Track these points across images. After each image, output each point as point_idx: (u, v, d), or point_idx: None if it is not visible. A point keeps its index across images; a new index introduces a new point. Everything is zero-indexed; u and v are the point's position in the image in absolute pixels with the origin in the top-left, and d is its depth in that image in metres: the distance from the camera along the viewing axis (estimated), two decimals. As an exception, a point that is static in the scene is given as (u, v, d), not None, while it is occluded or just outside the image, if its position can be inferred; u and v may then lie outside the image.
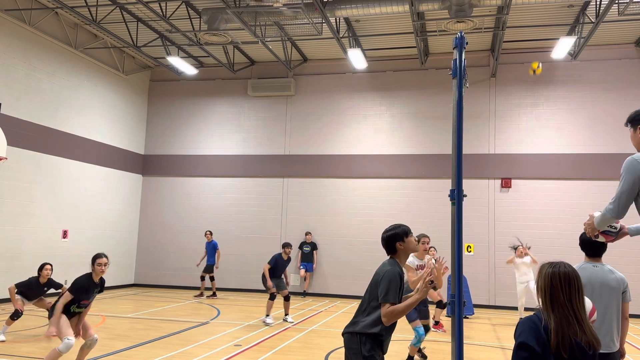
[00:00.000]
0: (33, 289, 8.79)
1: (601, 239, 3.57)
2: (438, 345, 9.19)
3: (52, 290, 9.10)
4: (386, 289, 3.62)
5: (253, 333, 9.55)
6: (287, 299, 11.06)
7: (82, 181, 15.11)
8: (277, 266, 11.09)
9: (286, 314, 11.06)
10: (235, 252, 16.60)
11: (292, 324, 10.79)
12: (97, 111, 15.81)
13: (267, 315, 10.80)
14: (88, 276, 6.31)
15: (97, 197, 15.73)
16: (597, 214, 3.49)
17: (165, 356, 7.52)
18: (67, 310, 6.27)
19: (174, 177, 17.62)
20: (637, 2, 11.91)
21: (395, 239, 3.84)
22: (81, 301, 6.28)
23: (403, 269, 3.85)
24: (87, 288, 6.26)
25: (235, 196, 17.02)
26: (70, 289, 6.21)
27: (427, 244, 6.95)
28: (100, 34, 15.23)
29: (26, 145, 13.15)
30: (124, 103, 17.00)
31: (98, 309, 11.86)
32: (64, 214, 14.42)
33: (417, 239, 6.24)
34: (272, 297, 10.87)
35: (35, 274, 8.90)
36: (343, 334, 3.82)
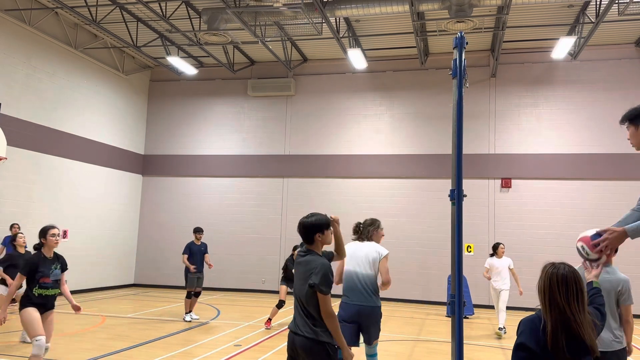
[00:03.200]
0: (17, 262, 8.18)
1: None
2: (438, 345, 9.19)
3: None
4: (322, 281, 3.54)
5: (253, 333, 9.55)
6: (197, 295, 10.82)
7: (82, 181, 15.11)
8: (193, 253, 10.80)
9: (190, 311, 10.86)
10: (235, 252, 16.60)
11: (196, 319, 10.71)
12: (97, 111, 15.81)
13: (187, 313, 10.67)
14: (36, 253, 5.78)
15: (97, 197, 15.72)
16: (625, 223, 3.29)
17: (165, 356, 7.52)
18: (32, 298, 5.59)
19: (174, 177, 17.62)
20: (637, 2, 11.91)
21: (316, 230, 3.76)
22: (40, 280, 5.61)
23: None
24: (37, 263, 5.64)
25: (235, 196, 17.01)
26: (20, 270, 5.69)
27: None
28: (100, 34, 15.23)
29: (26, 145, 13.15)
30: (124, 103, 17.00)
31: (98, 309, 11.87)
32: (64, 214, 14.41)
33: (378, 227, 5.91)
34: (189, 296, 10.63)
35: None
36: (299, 336, 3.60)
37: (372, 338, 5.42)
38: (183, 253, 10.85)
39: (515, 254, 14.54)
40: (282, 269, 10.93)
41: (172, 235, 17.23)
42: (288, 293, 10.59)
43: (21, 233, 8.76)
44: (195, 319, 10.82)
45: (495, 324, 11.73)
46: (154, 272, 17.27)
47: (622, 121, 3.29)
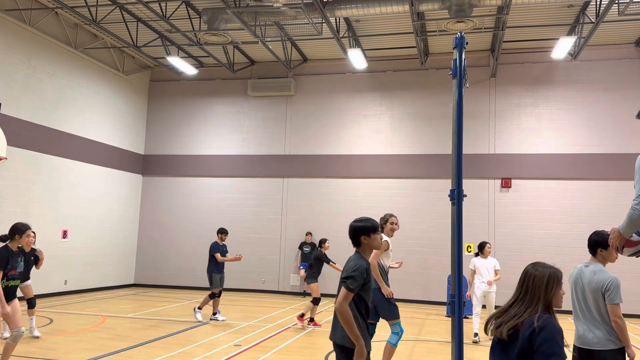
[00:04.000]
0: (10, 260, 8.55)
1: (626, 252, 3.31)
2: (438, 345, 9.19)
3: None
4: (351, 276, 3.52)
5: (253, 333, 9.55)
6: (218, 295, 10.95)
7: (82, 181, 15.11)
8: (221, 252, 11.02)
9: (214, 313, 10.96)
10: (235, 252, 16.55)
11: (224, 321, 10.80)
12: (97, 111, 15.81)
13: (215, 313, 10.86)
14: (4, 247, 6.15)
15: (97, 197, 15.72)
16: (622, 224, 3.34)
17: (165, 356, 7.52)
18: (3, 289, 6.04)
19: (174, 177, 17.62)
20: (637, 2, 11.91)
21: (361, 233, 3.74)
22: (9, 273, 6.11)
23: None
24: (7, 257, 6.09)
25: (235, 196, 17.01)
26: None
27: (396, 224, 6.87)
28: (100, 34, 15.23)
29: (26, 145, 13.14)
30: (124, 103, 17.00)
31: (98, 309, 11.87)
32: (64, 214, 14.41)
33: (385, 219, 6.78)
34: (213, 296, 10.78)
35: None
36: (333, 343, 3.69)
37: (384, 316, 6.53)
38: (215, 252, 10.95)
39: (515, 254, 14.57)
40: (311, 264, 10.92)
41: (172, 235, 17.24)
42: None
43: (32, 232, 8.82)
44: (222, 320, 10.90)
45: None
46: (154, 272, 17.27)
47: (638, 115, 3.37)
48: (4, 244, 6.22)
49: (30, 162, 13.29)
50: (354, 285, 3.51)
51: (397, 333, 6.49)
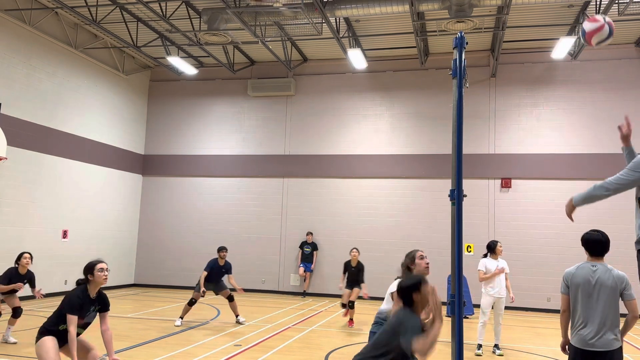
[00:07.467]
0: (13, 280, 8.33)
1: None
2: (438, 345, 9.18)
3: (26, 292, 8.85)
4: (409, 333, 3.44)
5: (253, 333, 9.55)
6: (230, 299, 10.76)
7: (82, 181, 15.11)
8: (213, 273, 10.65)
9: (237, 315, 10.79)
10: (234, 252, 16.54)
11: (245, 324, 10.57)
12: (97, 111, 15.81)
13: (180, 318, 10.38)
14: (82, 289, 5.22)
15: (97, 197, 15.72)
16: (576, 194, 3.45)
17: (165, 356, 7.52)
18: (55, 332, 5.10)
19: (174, 177, 17.62)
20: (637, 2, 11.91)
21: (413, 290, 3.67)
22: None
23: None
24: (81, 304, 5.12)
25: (235, 196, 17.02)
26: (63, 307, 5.12)
27: (425, 257, 6.07)
28: (100, 34, 15.23)
29: (26, 145, 13.14)
30: (124, 103, 16.99)
31: (98, 309, 11.86)
32: (64, 214, 14.41)
33: (412, 256, 5.74)
34: (191, 303, 10.41)
35: (14, 265, 8.55)
36: None
37: None
38: (204, 269, 10.66)
39: (515, 254, 14.56)
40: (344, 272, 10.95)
41: (172, 235, 17.24)
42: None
43: (28, 253, 8.63)
44: (242, 322, 10.68)
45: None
46: (154, 272, 17.27)
47: None
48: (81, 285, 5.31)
49: (30, 162, 13.29)
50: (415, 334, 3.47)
51: None
